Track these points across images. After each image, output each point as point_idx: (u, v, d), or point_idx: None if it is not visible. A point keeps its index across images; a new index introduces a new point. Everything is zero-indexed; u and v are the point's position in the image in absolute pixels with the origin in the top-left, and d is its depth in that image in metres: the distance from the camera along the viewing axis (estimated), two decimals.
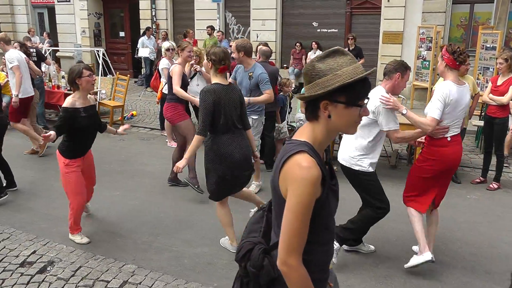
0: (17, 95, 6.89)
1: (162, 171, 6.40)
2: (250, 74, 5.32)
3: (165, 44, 7.49)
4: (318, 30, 13.17)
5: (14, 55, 7.02)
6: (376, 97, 3.66)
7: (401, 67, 3.79)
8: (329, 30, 13.02)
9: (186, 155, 3.98)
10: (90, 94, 4.46)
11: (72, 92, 4.30)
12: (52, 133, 3.97)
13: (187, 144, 5.67)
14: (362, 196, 4.02)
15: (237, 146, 3.89)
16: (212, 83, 3.88)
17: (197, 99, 5.16)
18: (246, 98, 5.10)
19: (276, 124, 6.70)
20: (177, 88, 5.60)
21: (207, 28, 12.77)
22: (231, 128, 3.88)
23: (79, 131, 4.20)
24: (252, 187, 5.79)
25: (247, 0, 13.70)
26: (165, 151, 7.49)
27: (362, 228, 4.05)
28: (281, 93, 6.87)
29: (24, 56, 7.27)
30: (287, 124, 7.16)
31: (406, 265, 3.95)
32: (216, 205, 4.23)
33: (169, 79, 5.82)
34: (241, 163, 3.94)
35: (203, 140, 3.90)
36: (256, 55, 6.74)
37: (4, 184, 5.55)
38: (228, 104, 3.82)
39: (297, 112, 7.30)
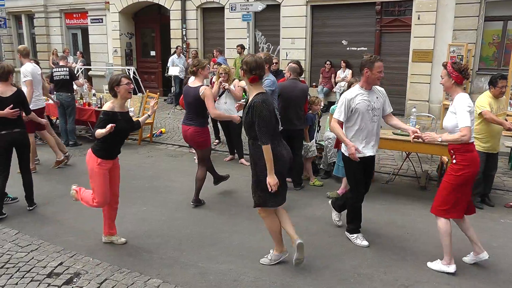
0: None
1: (189, 187, 6.40)
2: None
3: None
4: (348, 49, 13.16)
5: (29, 69, 7.34)
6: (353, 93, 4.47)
7: (367, 63, 4.34)
8: (358, 49, 12.97)
9: (270, 172, 3.82)
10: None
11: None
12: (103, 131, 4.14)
13: (199, 168, 5.94)
14: None
15: (283, 147, 3.99)
16: (255, 94, 3.85)
17: (236, 116, 5.63)
18: None
19: (305, 143, 6.69)
20: (215, 112, 5.69)
21: (237, 46, 12.98)
22: (276, 132, 3.96)
23: (115, 133, 4.29)
24: None
25: (276, 18, 13.87)
26: (192, 168, 7.47)
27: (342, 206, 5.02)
28: (310, 112, 6.87)
29: (39, 70, 7.62)
30: (316, 143, 7.14)
31: (429, 263, 4.30)
32: (262, 217, 4.20)
33: (198, 101, 5.53)
34: (288, 163, 4.04)
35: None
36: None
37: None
38: (273, 111, 3.91)
39: (326, 130, 7.26)
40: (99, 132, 4.18)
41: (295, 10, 13.45)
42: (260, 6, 12.31)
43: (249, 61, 3.83)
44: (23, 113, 5.76)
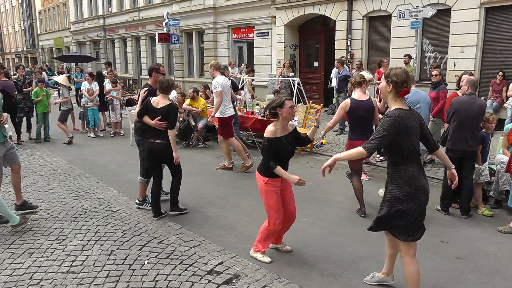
0: (213, 116, 7.96)
1: (350, 202, 6.22)
2: None
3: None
4: None
5: (219, 81, 7.97)
6: None
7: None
8: None
9: (341, 156, 3.73)
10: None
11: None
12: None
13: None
14: None
15: (423, 176, 3.62)
16: (393, 109, 3.58)
17: None
18: None
19: (477, 166, 6.00)
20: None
21: (404, 56, 12.43)
22: (416, 156, 3.59)
23: (280, 155, 4.34)
24: None
25: (446, 25, 12.92)
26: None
27: None
28: (483, 130, 6.06)
29: (229, 82, 8.32)
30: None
31: None
32: (404, 256, 3.68)
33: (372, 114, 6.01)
34: (428, 194, 3.62)
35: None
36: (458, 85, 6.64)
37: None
38: (413, 130, 3.56)
39: (498, 153, 6.34)
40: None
41: (467, 14, 12.32)
42: (430, 12, 11.65)
43: (399, 73, 3.60)
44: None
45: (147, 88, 6.06)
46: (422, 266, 4.39)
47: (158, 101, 5.66)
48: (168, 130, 5.61)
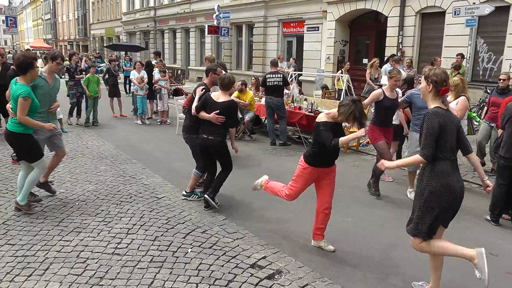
0: None
1: (395, 204, 6.10)
2: None
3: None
4: None
5: None
6: None
7: None
8: None
9: (400, 163, 4.09)
10: None
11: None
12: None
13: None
14: None
15: (456, 180, 3.64)
16: (432, 107, 3.71)
17: None
18: None
19: None
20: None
21: (457, 55, 12.02)
22: (451, 156, 3.65)
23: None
24: None
25: (504, 23, 12.33)
26: (401, 185, 7.08)
27: None
28: None
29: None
30: None
31: None
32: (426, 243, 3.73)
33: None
34: (458, 196, 3.65)
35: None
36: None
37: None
38: (451, 129, 3.64)
39: None
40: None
41: None
42: (487, 9, 11.15)
43: (439, 73, 3.75)
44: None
45: (204, 87, 6.07)
46: (470, 278, 4.18)
47: (219, 96, 5.69)
48: (229, 129, 5.88)
